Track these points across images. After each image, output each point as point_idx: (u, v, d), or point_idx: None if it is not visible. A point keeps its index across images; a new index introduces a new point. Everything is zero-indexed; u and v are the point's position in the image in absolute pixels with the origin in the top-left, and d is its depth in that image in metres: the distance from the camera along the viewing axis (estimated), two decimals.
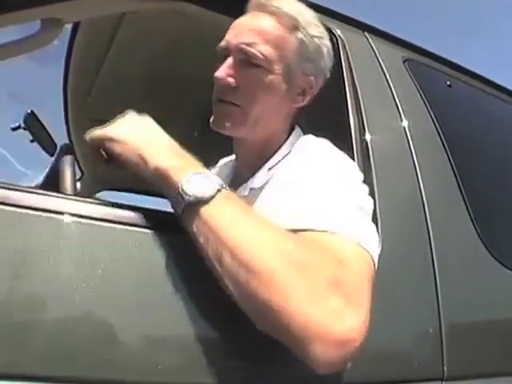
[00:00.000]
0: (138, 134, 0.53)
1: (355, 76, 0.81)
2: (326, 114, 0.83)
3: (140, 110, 0.57)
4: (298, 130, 0.73)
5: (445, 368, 0.66)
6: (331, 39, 0.72)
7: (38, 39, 0.74)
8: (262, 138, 0.69)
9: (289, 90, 0.67)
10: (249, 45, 0.64)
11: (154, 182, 0.50)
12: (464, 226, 0.82)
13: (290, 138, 0.71)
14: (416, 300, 0.68)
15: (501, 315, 0.81)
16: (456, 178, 0.84)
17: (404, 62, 0.94)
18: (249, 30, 0.65)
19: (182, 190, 0.46)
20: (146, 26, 1.03)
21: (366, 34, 0.92)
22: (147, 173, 0.50)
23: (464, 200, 0.83)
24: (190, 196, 0.46)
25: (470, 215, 0.83)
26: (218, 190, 0.47)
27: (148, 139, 0.53)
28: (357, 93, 0.78)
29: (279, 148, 0.69)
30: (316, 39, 0.67)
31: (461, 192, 0.84)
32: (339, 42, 0.84)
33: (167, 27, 1.03)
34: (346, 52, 0.84)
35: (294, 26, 0.66)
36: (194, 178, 0.47)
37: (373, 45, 0.90)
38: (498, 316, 0.81)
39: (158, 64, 1.17)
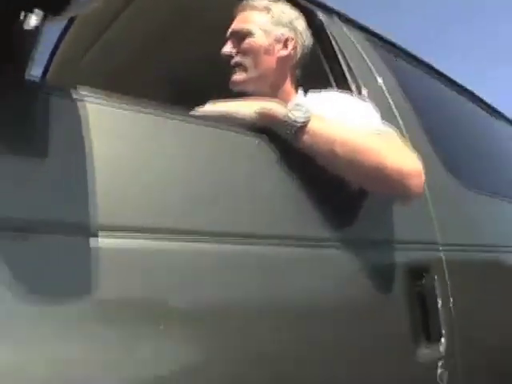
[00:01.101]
0: (242, 103, 0.76)
1: (338, 48, 1.07)
2: (322, 79, 1.07)
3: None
4: (301, 92, 0.97)
5: None
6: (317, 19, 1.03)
7: None
8: (270, 92, 0.90)
9: (270, 44, 0.92)
10: (237, 27, 0.94)
11: (266, 124, 0.72)
12: (429, 156, 1.11)
13: (297, 96, 0.94)
14: None
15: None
16: (418, 118, 1.13)
17: (366, 39, 1.22)
18: (236, 22, 0.95)
19: (291, 118, 0.69)
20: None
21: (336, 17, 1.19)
22: (260, 120, 0.72)
23: (427, 136, 1.13)
24: (298, 121, 0.69)
25: (433, 148, 1.13)
26: (310, 113, 0.70)
27: (250, 103, 0.76)
28: (345, 59, 1.05)
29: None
30: (286, 15, 0.96)
31: (424, 129, 1.13)
32: (323, 22, 1.10)
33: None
34: (326, 31, 1.10)
35: (267, 8, 0.95)
36: (293, 110, 0.71)
37: (343, 26, 1.18)
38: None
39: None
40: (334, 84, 1.03)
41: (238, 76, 0.89)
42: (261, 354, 0.62)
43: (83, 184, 0.50)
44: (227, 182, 0.64)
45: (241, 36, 0.92)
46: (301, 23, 0.98)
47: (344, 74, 1.03)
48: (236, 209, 0.64)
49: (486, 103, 1.77)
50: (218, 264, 0.60)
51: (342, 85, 1.01)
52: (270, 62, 0.92)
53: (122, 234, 0.52)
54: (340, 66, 1.04)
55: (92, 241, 0.50)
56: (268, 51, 0.91)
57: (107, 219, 0.51)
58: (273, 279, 0.65)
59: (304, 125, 0.70)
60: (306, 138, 0.70)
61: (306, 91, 0.97)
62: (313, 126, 0.70)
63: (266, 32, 0.92)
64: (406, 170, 0.75)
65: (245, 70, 0.90)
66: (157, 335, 0.52)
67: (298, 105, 0.72)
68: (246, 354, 0.60)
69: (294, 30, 0.95)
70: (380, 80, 1.10)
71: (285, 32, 0.94)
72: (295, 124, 0.69)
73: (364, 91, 1.01)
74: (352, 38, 1.16)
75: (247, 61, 0.90)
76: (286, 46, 0.93)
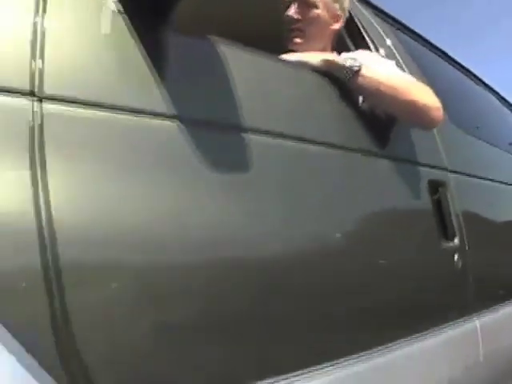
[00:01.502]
0: (312, 55, 1.01)
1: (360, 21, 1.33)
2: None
3: None
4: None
5: None
6: None
7: None
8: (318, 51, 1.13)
9: (328, 18, 1.13)
10: None
11: (330, 72, 0.96)
12: None
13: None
14: None
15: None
16: (423, 75, 1.40)
17: (373, 13, 1.48)
18: None
19: (347, 66, 0.94)
20: None
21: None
22: (327, 67, 0.97)
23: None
24: (353, 68, 0.94)
25: None
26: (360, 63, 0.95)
27: (318, 55, 1.01)
28: (362, 25, 1.30)
29: None
30: None
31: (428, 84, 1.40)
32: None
33: None
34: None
35: None
36: (348, 59, 0.96)
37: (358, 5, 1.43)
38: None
39: None
40: (353, 47, 1.28)
41: (298, 40, 1.09)
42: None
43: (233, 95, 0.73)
44: (311, 101, 0.91)
45: (307, 5, 1.08)
46: (347, 2, 1.18)
47: (363, 38, 1.28)
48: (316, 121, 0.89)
49: (470, 72, 2.08)
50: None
51: (361, 47, 1.27)
52: (324, 32, 1.13)
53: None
54: (358, 30, 1.30)
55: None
56: (325, 24, 1.12)
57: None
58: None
59: (357, 71, 0.95)
60: (359, 80, 0.95)
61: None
62: (363, 72, 0.95)
63: (327, 7, 1.11)
64: (431, 105, 1.02)
65: (304, 36, 1.08)
66: None
67: (350, 57, 0.97)
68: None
69: (344, 8, 1.16)
70: (389, 42, 1.36)
71: (338, 9, 1.13)
72: (352, 70, 0.94)
73: (381, 50, 1.27)
74: (363, 10, 1.42)
75: (308, 29, 1.08)
76: (337, 21, 1.14)
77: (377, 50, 1.27)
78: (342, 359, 0.78)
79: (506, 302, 1.40)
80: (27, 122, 0.49)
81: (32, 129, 0.49)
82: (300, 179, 0.82)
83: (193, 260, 0.61)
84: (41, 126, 0.50)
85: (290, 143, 0.82)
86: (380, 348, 0.87)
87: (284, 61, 0.95)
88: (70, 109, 0.53)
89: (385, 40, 1.37)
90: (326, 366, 0.75)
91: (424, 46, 1.80)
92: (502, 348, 1.31)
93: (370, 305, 0.89)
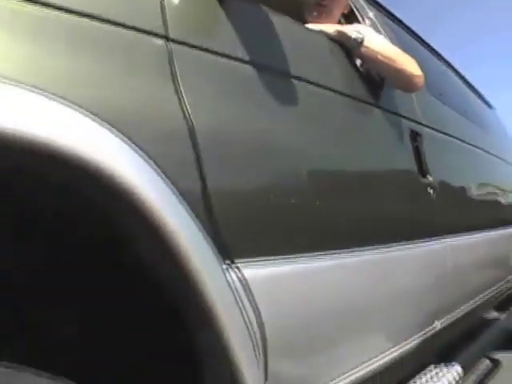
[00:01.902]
0: (329, 26, 1.25)
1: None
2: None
3: None
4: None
5: None
6: None
7: None
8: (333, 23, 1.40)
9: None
10: None
11: (341, 40, 1.21)
12: None
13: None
14: None
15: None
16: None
17: None
18: None
19: (354, 38, 1.20)
20: None
21: None
22: (339, 37, 1.21)
23: None
24: (358, 39, 1.20)
25: None
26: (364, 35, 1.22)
27: (335, 26, 1.26)
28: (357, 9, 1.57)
29: None
30: None
31: None
32: None
33: None
34: None
35: None
36: (354, 32, 1.21)
37: None
38: None
39: None
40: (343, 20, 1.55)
41: (320, 15, 1.32)
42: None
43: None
44: (326, 59, 1.17)
45: None
46: None
47: (353, 11, 1.56)
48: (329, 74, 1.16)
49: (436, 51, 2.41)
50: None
51: (350, 19, 1.54)
52: (340, 10, 1.40)
53: None
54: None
55: None
56: (343, 4, 1.41)
57: None
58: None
59: (362, 41, 1.21)
60: (363, 49, 1.22)
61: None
62: (366, 43, 1.21)
63: None
64: (416, 73, 1.31)
65: (325, 11, 1.32)
66: None
67: (356, 30, 1.24)
68: None
69: None
70: (371, 15, 1.64)
71: None
72: (358, 40, 1.20)
73: (367, 21, 1.55)
74: None
75: (330, 6, 1.34)
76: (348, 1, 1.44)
77: (364, 21, 1.55)
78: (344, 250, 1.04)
79: (470, 230, 1.74)
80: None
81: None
82: (317, 116, 1.09)
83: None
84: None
85: (312, 87, 1.08)
86: (375, 247, 1.14)
87: (309, 28, 1.21)
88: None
89: (367, 11, 1.65)
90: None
91: (398, 24, 2.10)
92: (465, 265, 1.65)
93: (370, 216, 1.16)
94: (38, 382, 0.48)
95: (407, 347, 1.28)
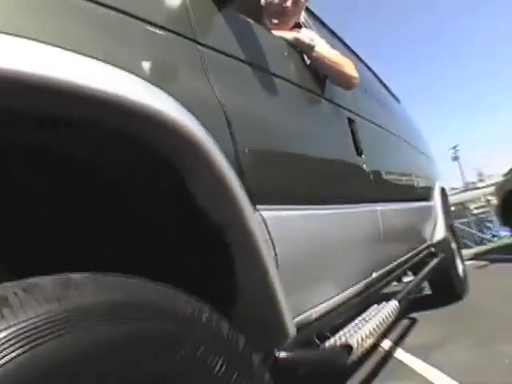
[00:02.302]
0: (288, 33, 1.54)
1: None
2: None
3: None
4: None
5: None
6: None
7: None
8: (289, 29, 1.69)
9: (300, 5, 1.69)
10: None
11: (297, 44, 1.51)
12: None
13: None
14: None
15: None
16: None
17: None
18: None
19: (307, 44, 1.50)
20: None
21: None
22: (295, 42, 1.50)
23: None
24: (311, 46, 1.50)
25: None
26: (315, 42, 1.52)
27: (292, 33, 1.54)
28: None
29: None
30: None
31: None
32: None
33: None
34: None
35: None
36: (307, 38, 1.51)
37: None
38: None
39: None
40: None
41: (278, 22, 1.60)
42: None
43: None
44: (285, 58, 1.45)
45: None
46: None
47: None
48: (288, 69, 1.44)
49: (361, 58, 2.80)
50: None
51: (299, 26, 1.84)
52: (296, 16, 1.68)
53: None
54: None
55: None
56: (298, 14, 1.68)
57: None
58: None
59: (313, 47, 1.51)
60: (313, 54, 1.51)
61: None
62: (317, 48, 1.51)
63: None
64: (353, 75, 1.65)
65: (286, 16, 1.61)
66: None
67: (309, 37, 1.53)
68: None
69: None
70: (311, 23, 1.96)
71: None
72: (310, 45, 1.50)
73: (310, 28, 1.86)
74: None
75: (291, 12, 1.61)
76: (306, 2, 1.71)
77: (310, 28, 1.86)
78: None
79: (395, 201, 2.13)
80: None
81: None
82: (280, 100, 1.37)
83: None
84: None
85: (276, 79, 1.35)
86: (333, 206, 1.45)
87: (274, 34, 1.48)
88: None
89: (309, 23, 1.97)
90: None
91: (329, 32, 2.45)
92: (393, 227, 2.03)
93: (325, 185, 1.47)
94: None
95: (353, 289, 1.61)
